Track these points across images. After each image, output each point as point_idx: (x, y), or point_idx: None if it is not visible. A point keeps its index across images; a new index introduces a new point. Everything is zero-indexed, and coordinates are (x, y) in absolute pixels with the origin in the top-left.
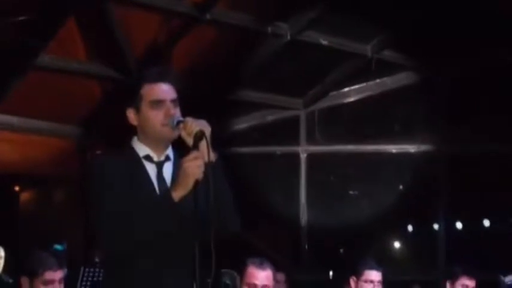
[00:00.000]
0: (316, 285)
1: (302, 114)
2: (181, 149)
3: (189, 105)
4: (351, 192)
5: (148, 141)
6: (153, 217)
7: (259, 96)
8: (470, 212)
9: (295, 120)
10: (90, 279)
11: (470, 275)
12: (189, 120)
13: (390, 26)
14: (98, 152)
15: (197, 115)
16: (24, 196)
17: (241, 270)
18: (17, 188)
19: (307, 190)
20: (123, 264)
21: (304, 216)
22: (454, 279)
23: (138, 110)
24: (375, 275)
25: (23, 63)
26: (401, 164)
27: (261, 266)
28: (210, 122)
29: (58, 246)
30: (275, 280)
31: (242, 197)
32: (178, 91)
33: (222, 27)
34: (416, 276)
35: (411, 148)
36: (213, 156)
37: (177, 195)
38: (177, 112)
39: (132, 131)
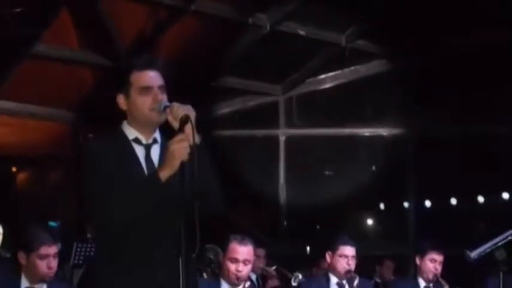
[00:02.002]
0: (294, 260)
1: (281, 99)
2: (168, 132)
3: (175, 91)
4: (326, 172)
5: (137, 124)
6: (141, 196)
7: (240, 82)
8: (438, 191)
9: (275, 105)
10: (82, 253)
11: (438, 250)
12: (175, 105)
13: (363, 17)
14: (90, 135)
15: (183, 100)
16: (21, 176)
17: (224, 245)
18: (14, 169)
19: (285, 171)
20: (113, 241)
21: (283, 195)
22: (423, 254)
23: (127, 95)
24: (349, 250)
25: (19, 52)
26: (373, 146)
27: (242, 241)
28: (194, 107)
29: (52, 223)
30: (256, 255)
31: (225, 178)
32: (165, 78)
33: (206, 18)
34: (388, 251)
35: (383, 131)
36: (197, 139)
37: (164, 175)
38: (164, 98)
39: (122, 115)
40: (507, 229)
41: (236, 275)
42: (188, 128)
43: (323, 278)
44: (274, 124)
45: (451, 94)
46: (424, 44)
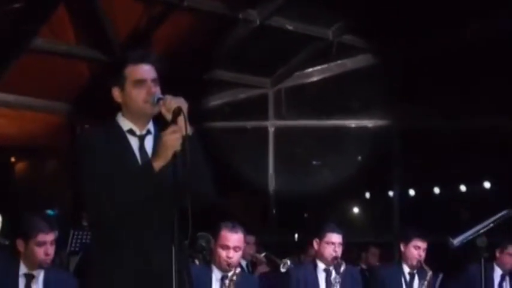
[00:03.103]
0: (283, 247)
1: (270, 92)
2: (161, 123)
3: (168, 84)
4: (314, 162)
5: (131, 116)
6: (135, 185)
7: (231, 76)
8: (421, 181)
9: (264, 98)
10: (78, 241)
11: (422, 237)
12: (168, 97)
13: (350, 12)
14: (86, 126)
15: (175, 93)
16: (19, 166)
17: (215, 233)
18: (12, 159)
19: (274, 161)
20: (108, 229)
21: (272, 184)
22: (407, 241)
23: (122, 88)
24: (335, 237)
25: (18, 46)
26: (360, 137)
27: (233, 229)
28: (187, 99)
29: (50, 211)
30: (246, 242)
31: (216, 167)
32: (159, 71)
33: (198, 14)
34: (373, 238)
35: (369, 123)
36: (189, 130)
37: (157, 165)
38: (157, 90)
39: (116, 107)
40: (488, 217)
41: (227, 262)
42: (181, 119)
43: (311, 265)
44: (264, 116)
45: (434, 87)
46: (409, 39)
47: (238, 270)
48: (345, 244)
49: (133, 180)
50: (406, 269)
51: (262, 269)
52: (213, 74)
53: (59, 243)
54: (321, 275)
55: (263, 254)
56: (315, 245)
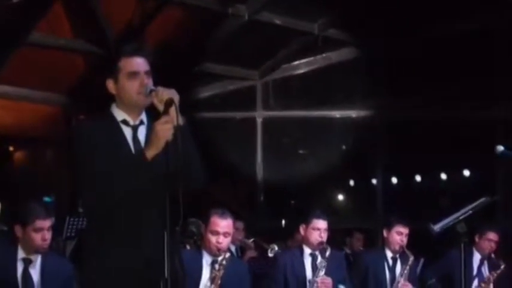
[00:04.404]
0: (270, 232)
1: (258, 84)
2: (153, 114)
3: (160, 76)
4: (300, 152)
5: (125, 107)
6: (129, 174)
7: (221, 68)
8: (404, 169)
9: (252, 90)
10: (74, 227)
11: (404, 223)
12: (160, 89)
13: (334, 8)
14: (81, 117)
15: (167, 85)
16: (17, 155)
17: (205, 219)
18: (11, 148)
19: (262, 150)
20: (101, 217)
21: (260, 173)
22: (390, 227)
23: (116, 80)
24: (321, 223)
25: (17, 40)
26: (344, 127)
27: (222, 215)
28: (178, 90)
29: (47, 199)
30: (235, 228)
31: (206, 157)
32: (151, 64)
33: (189, 8)
34: (357, 224)
35: (353, 113)
36: (181, 121)
37: (150, 154)
38: (150, 82)
39: (111, 98)
40: (468, 204)
41: (217, 247)
42: (172, 110)
43: (297, 250)
44: (252, 107)
45: (416, 79)
46: (391, 33)
47: (227, 254)
48: (330, 230)
49: (126, 169)
50: (389, 254)
51: (251, 253)
52: (203, 67)
53: (56, 229)
54: (307, 260)
55: (251, 240)
56: (302, 230)
